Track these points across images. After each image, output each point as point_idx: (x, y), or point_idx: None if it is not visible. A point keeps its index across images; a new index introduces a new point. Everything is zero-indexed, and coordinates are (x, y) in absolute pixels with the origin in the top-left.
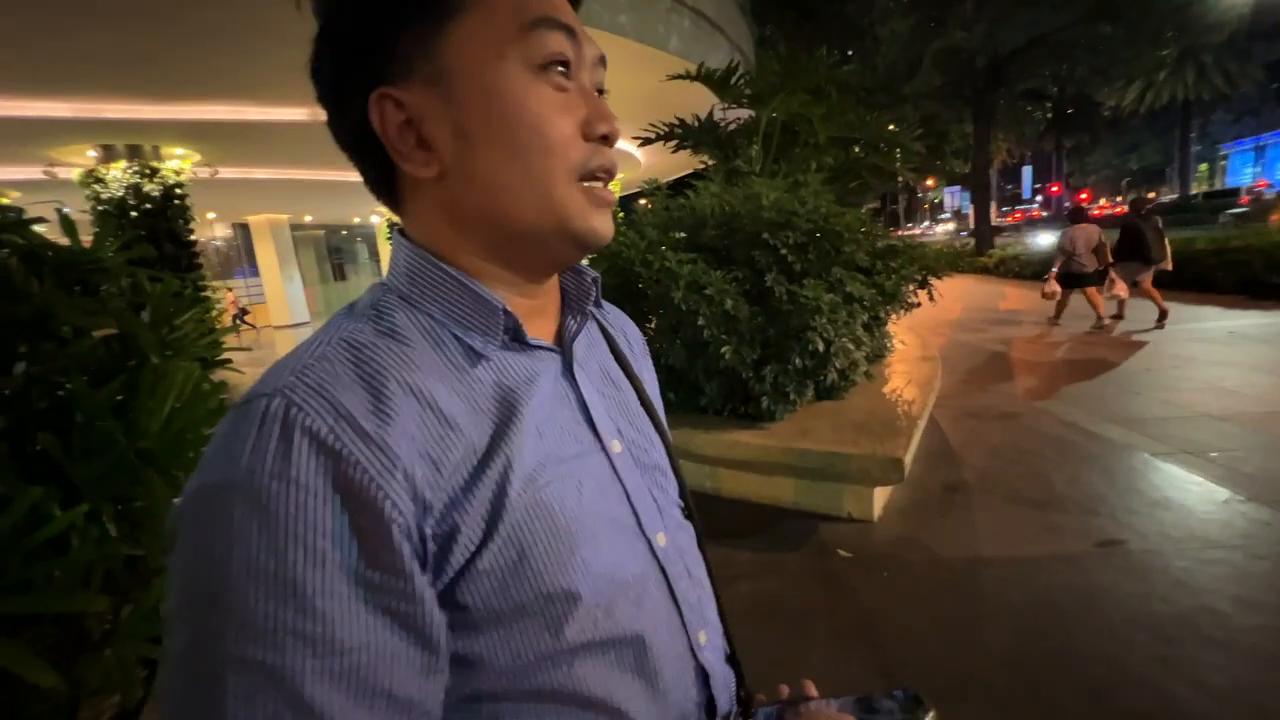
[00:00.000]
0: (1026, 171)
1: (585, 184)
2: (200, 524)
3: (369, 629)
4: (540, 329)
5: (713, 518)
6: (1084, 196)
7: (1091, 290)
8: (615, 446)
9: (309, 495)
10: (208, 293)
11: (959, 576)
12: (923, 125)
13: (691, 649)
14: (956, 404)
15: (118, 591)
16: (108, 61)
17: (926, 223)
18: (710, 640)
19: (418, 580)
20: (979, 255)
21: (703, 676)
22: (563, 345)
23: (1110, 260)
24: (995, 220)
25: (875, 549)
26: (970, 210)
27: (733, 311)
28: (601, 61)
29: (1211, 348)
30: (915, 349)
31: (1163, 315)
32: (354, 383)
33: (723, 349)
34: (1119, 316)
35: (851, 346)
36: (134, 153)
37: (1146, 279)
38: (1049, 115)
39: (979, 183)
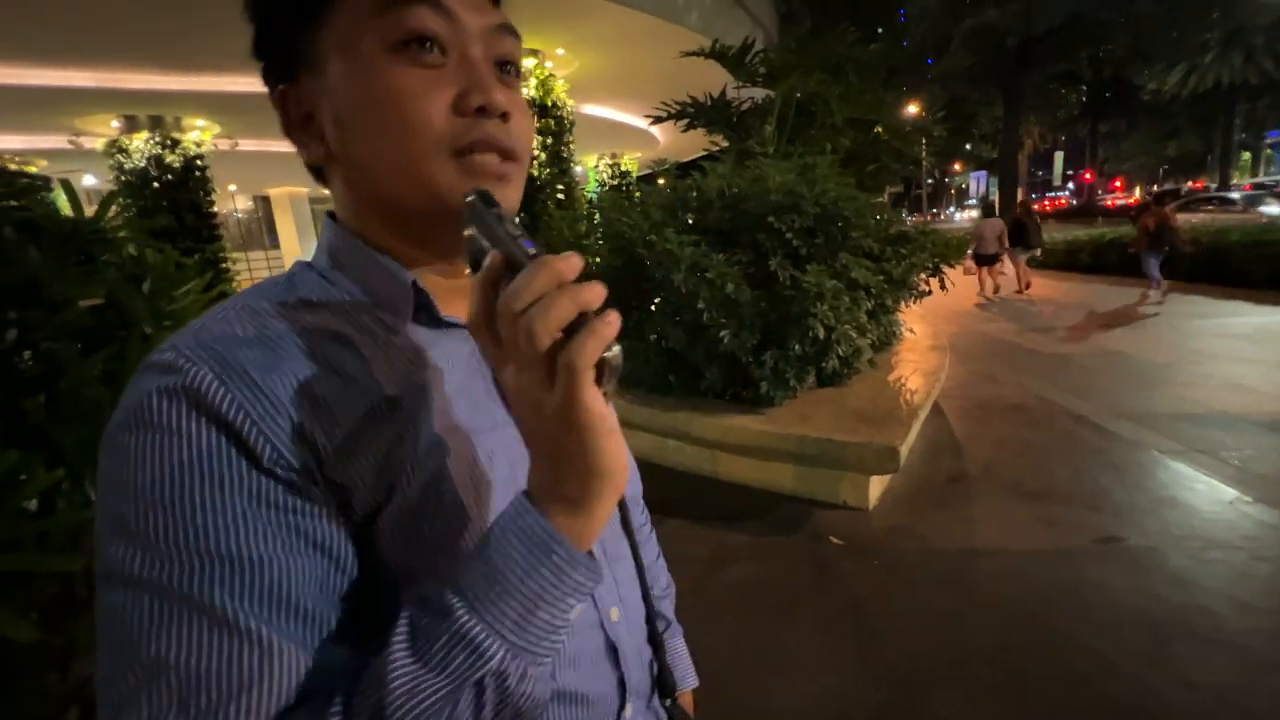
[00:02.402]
0: (1058, 157)
1: (464, 158)
2: (107, 461)
3: (269, 543)
4: (459, 308)
5: (710, 501)
6: (1118, 185)
7: (994, 268)
8: None
9: (193, 430)
10: (227, 264)
11: (951, 567)
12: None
13: (601, 623)
14: (964, 394)
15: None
16: (130, 32)
17: (952, 208)
18: (624, 618)
19: (313, 505)
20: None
21: (613, 651)
22: None
23: (1005, 245)
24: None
25: (869, 537)
26: (996, 196)
27: (734, 295)
28: (503, 30)
29: (1235, 344)
30: (925, 337)
31: (1026, 286)
32: (243, 340)
33: (722, 333)
34: (1021, 291)
35: (854, 334)
36: (156, 124)
37: (1023, 260)
38: (1083, 99)
39: (1007, 168)
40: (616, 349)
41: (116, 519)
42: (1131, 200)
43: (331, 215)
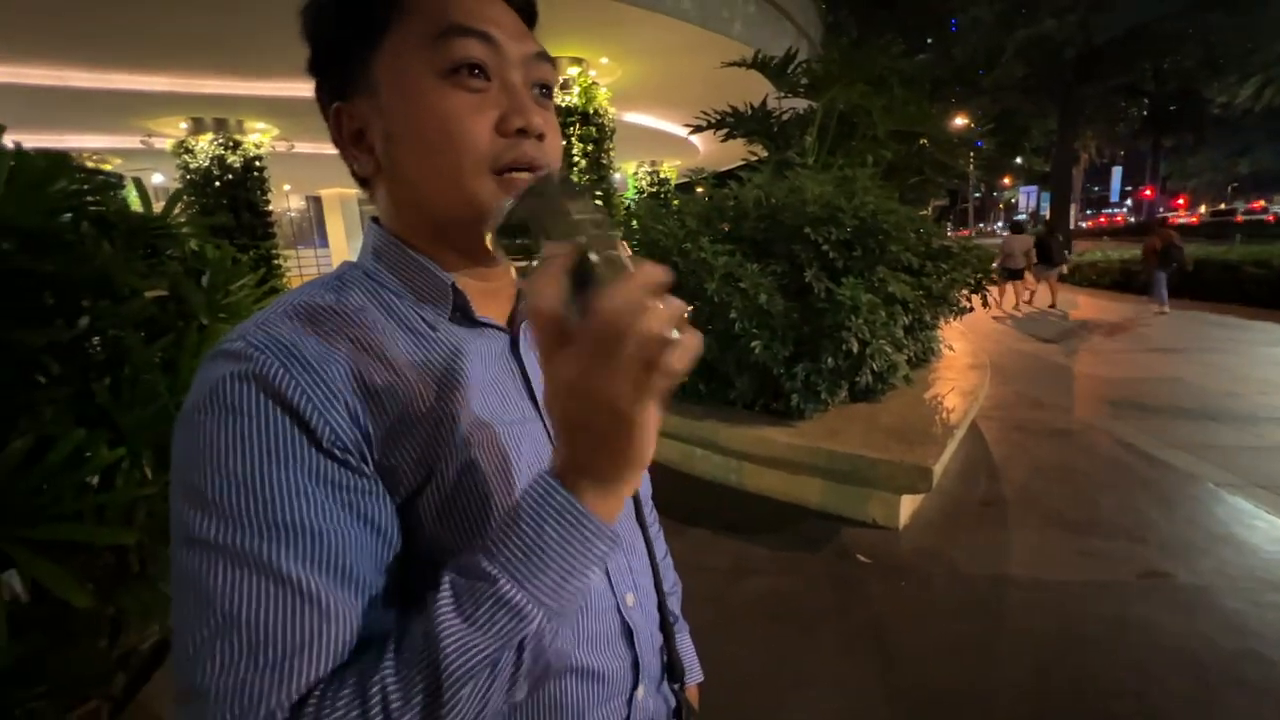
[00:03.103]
0: (1116, 172)
1: (503, 175)
2: (184, 439)
3: (329, 517)
4: (492, 310)
5: (734, 512)
6: (1181, 202)
7: (1020, 283)
8: None
9: (263, 413)
10: (279, 260)
11: (981, 594)
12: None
13: (618, 606)
14: (1004, 415)
15: (158, 531)
16: (202, 40)
17: (1000, 223)
18: (639, 603)
19: (366, 483)
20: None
21: (628, 633)
22: (513, 326)
23: (1033, 261)
24: (1078, 224)
25: (897, 558)
26: (1048, 212)
27: (767, 306)
28: (540, 57)
29: None
30: (965, 355)
31: (1052, 305)
32: (303, 332)
33: (754, 343)
34: (1029, 302)
35: (889, 349)
36: (220, 126)
37: (1052, 276)
38: (1145, 112)
39: (1059, 182)
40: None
41: (193, 490)
42: (1194, 218)
43: (375, 220)
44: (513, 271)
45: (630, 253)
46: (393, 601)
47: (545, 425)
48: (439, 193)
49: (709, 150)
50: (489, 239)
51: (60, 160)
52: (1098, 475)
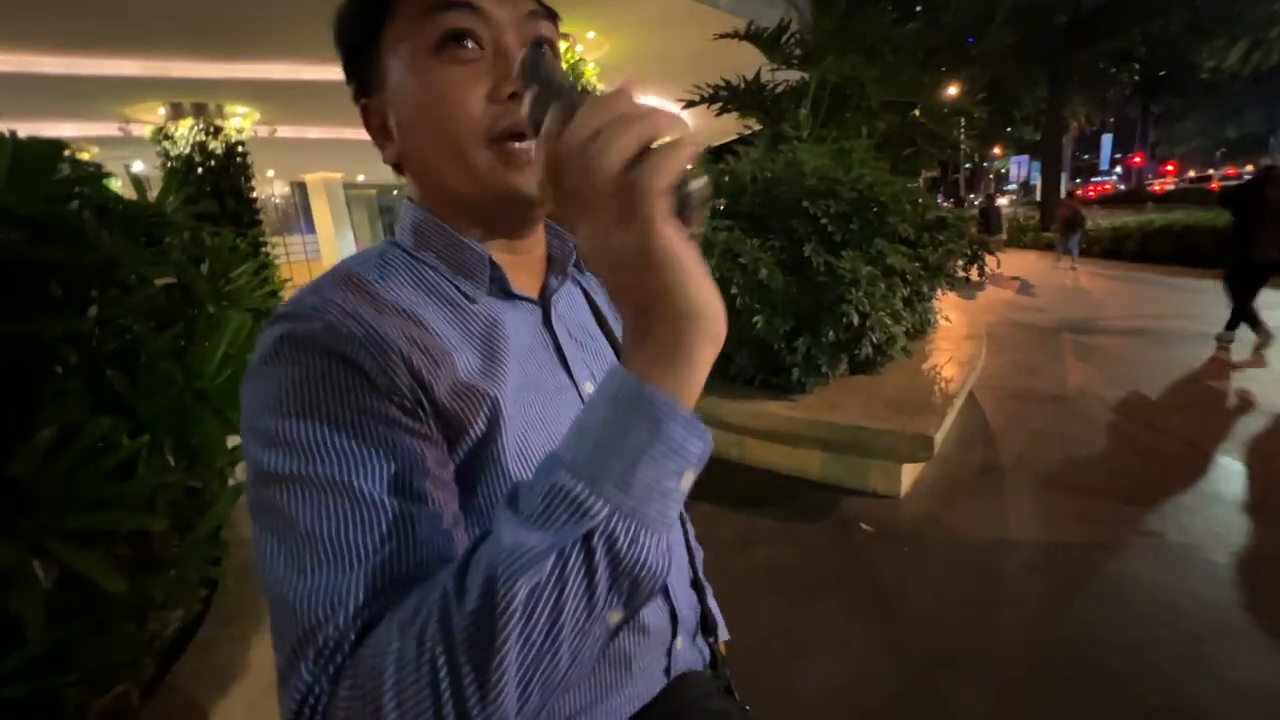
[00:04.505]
0: (1106, 140)
1: (501, 145)
2: (251, 390)
3: (389, 445)
4: (524, 284)
5: (737, 486)
6: (1170, 169)
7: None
8: (588, 387)
9: (324, 362)
10: (266, 248)
11: (981, 557)
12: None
13: None
14: (1000, 384)
15: (180, 518)
16: (176, 21)
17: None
18: (673, 559)
19: (424, 422)
20: (1044, 230)
21: (664, 587)
22: (544, 299)
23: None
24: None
25: (899, 525)
26: (1039, 181)
27: (767, 281)
28: (535, 15)
29: None
30: (961, 326)
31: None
32: (354, 298)
33: (754, 318)
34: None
35: (889, 321)
36: (199, 111)
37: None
38: (1136, 78)
39: (1049, 151)
40: (702, 180)
41: (263, 433)
42: (1158, 188)
43: (410, 199)
44: (545, 247)
45: None
46: (462, 538)
47: (579, 394)
48: (446, 169)
49: (701, 124)
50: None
51: (59, 146)
52: (1093, 441)
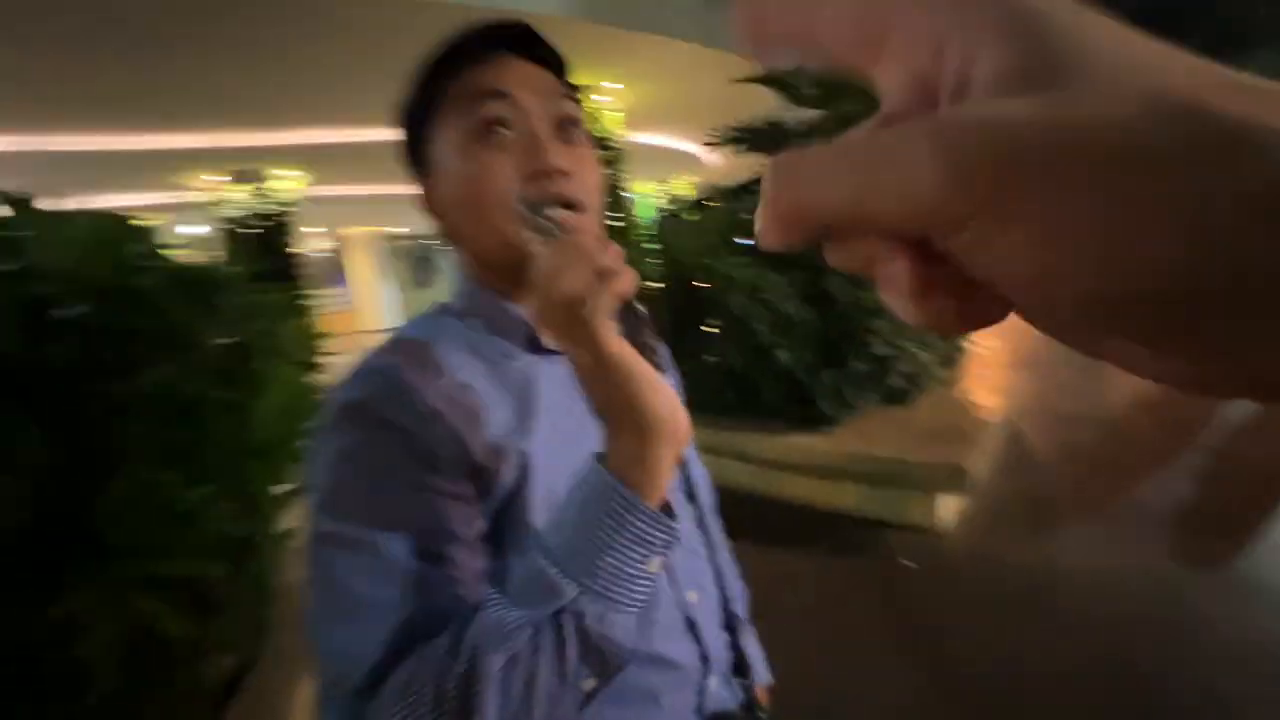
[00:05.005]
0: None
1: (534, 215)
2: (313, 457)
3: (427, 510)
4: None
5: (771, 521)
6: None
7: None
8: None
9: (371, 435)
10: (307, 301)
11: (1032, 590)
12: None
13: (680, 602)
14: (1047, 410)
15: (232, 563)
16: (232, 96)
17: None
18: (701, 601)
19: (460, 484)
20: None
21: (692, 626)
22: None
23: None
24: None
25: (941, 559)
26: None
27: (792, 315)
28: (561, 97)
29: None
30: (1001, 350)
31: None
32: (404, 367)
33: (779, 352)
34: None
35: (917, 350)
36: (252, 176)
37: None
38: None
39: None
40: (616, 279)
41: (318, 494)
42: None
43: (461, 272)
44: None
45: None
46: (479, 583)
47: None
48: (483, 236)
49: (725, 163)
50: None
51: (125, 221)
52: (1151, 468)
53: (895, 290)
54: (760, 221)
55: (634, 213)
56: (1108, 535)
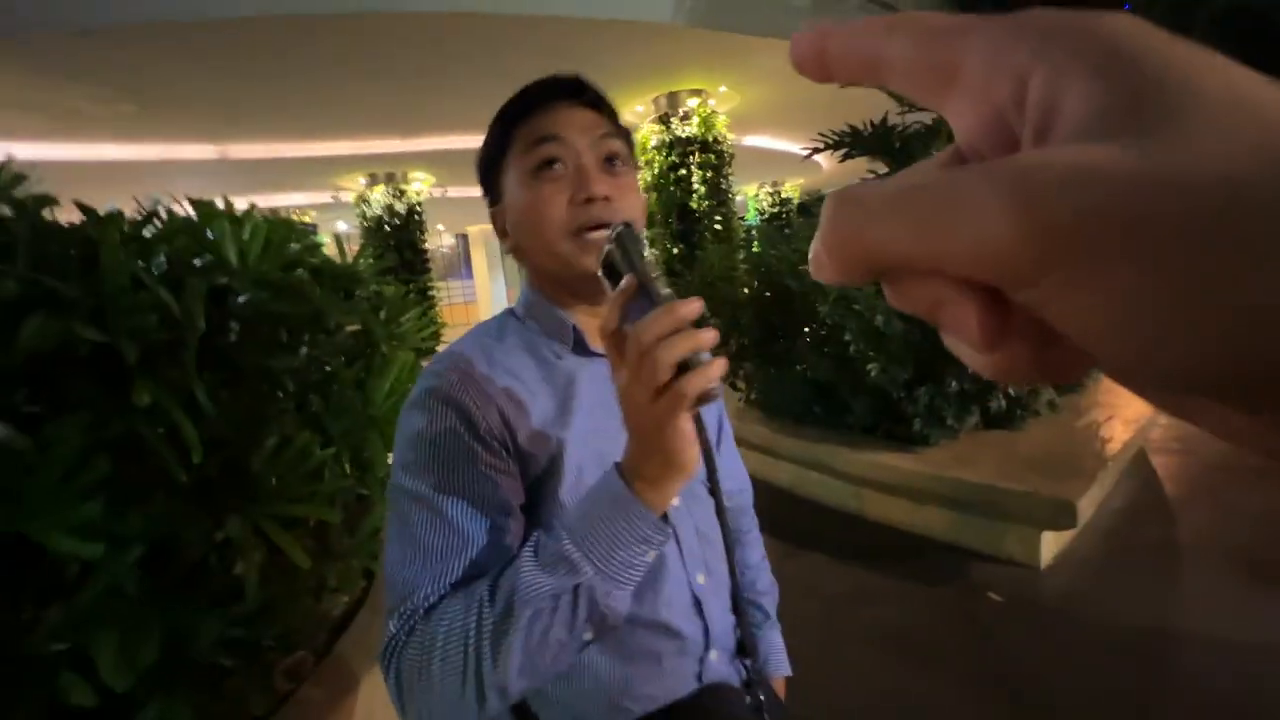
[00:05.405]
0: None
1: (580, 236)
2: (401, 427)
3: (478, 482)
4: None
5: (852, 539)
6: None
7: None
8: None
9: (443, 413)
10: (433, 291)
11: (1139, 646)
12: None
13: (689, 582)
14: (1187, 448)
15: (350, 517)
16: (380, 110)
17: None
18: (709, 584)
19: (507, 460)
20: None
21: (698, 604)
22: None
23: None
24: None
25: (1036, 598)
26: None
27: (883, 328)
28: (606, 137)
29: None
30: None
31: None
32: (474, 360)
33: (869, 366)
34: None
35: None
36: (389, 178)
37: None
38: None
39: None
40: (718, 387)
41: (402, 462)
42: None
43: (525, 282)
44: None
45: (669, 290)
46: (515, 547)
47: None
48: (540, 256)
49: (833, 168)
50: (599, 274)
51: (291, 225)
52: None
53: (963, 336)
54: (814, 252)
55: (736, 215)
56: (1242, 601)
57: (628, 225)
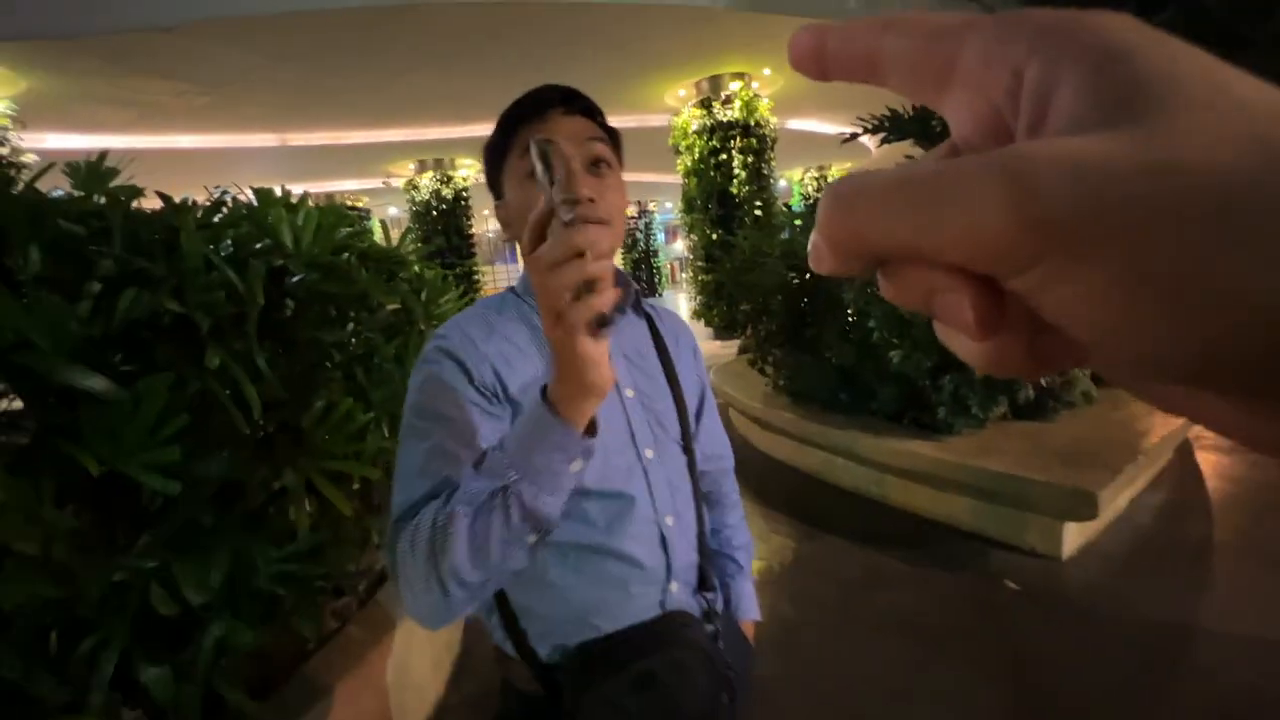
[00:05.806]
0: None
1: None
2: (412, 378)
3: (471, 419)
4: None
5: (872, 523)
6: None
7: None
8: (629, 393)
9: (448, 365)
10: (478, 274)
11: (1158, 640)
12: None
13: (657, 521)
14: (1229, 444)
15: (390, 476)
16: (429, 98)
17: None
18: (676, 526)
19: (497, 406)
20: None
21: (664, 541)
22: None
23: None
24: None
25: (1055, 589)
26: None
27: (907, 315)
28: (592, 141)
29: None
30: None
31: None
32: (474, 326)
33: (892, 353)
34: None
35: None
36: (437, 165)
37: None
38: None
39: None
40: (610, 312)
41: (411, 404)
42: None
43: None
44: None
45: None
46: None
47: (620, 397)
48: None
49: (880, 151)
50: (532, 150)
51: (340, 211)
52: None
53: (956, 325)
54: (813, 243)
55: (780, 200)
56: (1269, 600)
57: (551, 142)
